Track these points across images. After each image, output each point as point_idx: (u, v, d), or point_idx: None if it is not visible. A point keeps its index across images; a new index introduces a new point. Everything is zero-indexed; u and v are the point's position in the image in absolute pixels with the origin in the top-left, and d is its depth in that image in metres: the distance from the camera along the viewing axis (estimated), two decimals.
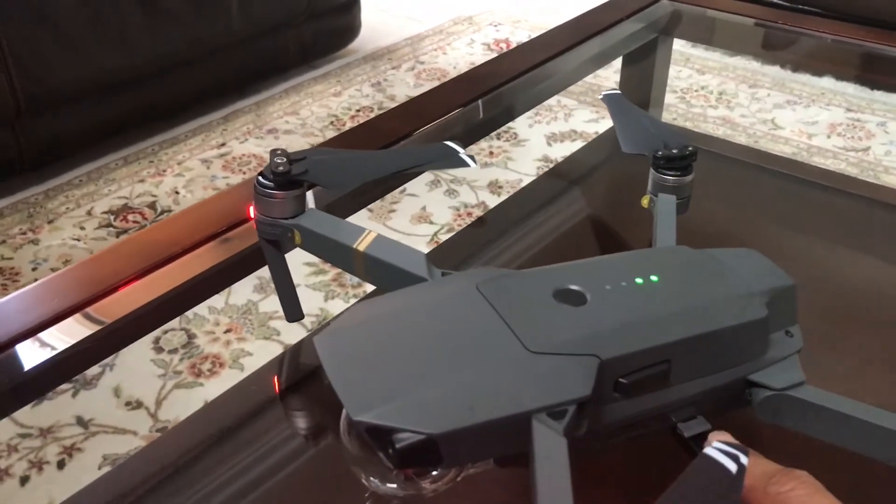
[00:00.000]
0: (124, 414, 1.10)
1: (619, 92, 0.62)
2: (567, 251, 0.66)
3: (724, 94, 1.86)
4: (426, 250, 1.49)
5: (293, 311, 0.50)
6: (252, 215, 0.47)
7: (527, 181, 1.54)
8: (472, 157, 0.49)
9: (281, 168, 0.44)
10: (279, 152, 0.45)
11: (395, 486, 0.38)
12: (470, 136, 0.77)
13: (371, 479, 0.38)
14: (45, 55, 1.47)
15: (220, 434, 0.53)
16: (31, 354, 0.49)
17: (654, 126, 0.58)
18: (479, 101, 0.75)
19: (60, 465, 1.04)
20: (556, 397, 0.33)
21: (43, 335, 0.49)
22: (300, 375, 0.58)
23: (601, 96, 0.63)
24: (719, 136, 1.69)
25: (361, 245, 0.43)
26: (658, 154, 0.54)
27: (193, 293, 0.55)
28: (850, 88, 1.84)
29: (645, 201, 0.55)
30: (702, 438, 0.38)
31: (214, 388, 1.14)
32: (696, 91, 1.88)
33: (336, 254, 0.45)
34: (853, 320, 0.58)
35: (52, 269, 1.35)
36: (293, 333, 1.20)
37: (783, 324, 0.41)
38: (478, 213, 1.46)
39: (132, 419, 1.09)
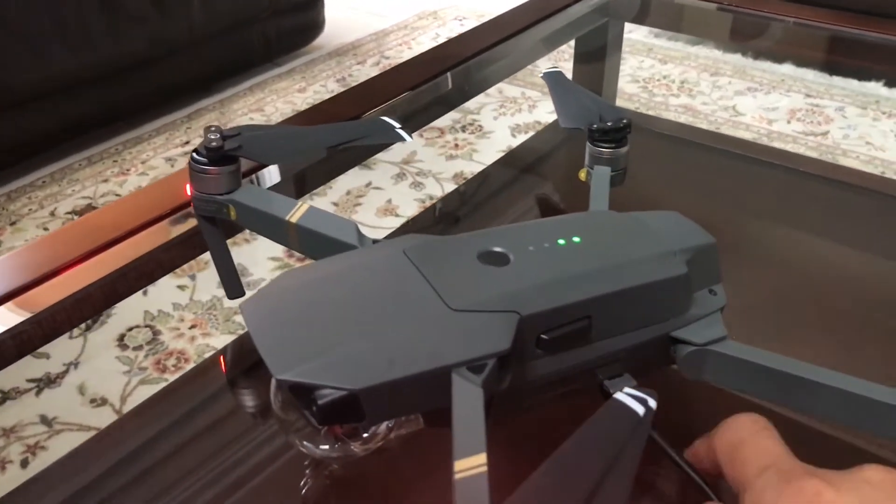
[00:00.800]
0: (89, 411, 1.10)
1: (558, 69, 0.63)
2: (506, 222, 0.67)
3: (686, 82, 1.88)
4: None
5: (233, 289, 0.51)
6: (189, 193, 0.48)
7: None
8: (407, 133, 0.50)
9: (214, 143, 0.45)
10: (213, 128, 0.46)
11: (326, 447, 0.38)
12: (421, 119, 0.77)
13: (304, 442, 0.39)
14: (6, 56, 1.46)
15: (171, 420, 0.53)
16: None
17: (592, 101, 0.59)
18: (427, 85, 0.75)
19: (24, 463, 1.03)
20: (475, 352, 0.34)
21: None
22: (249, 361, 0.58)
23: (542, 75, 0.64)
24: (682, 122, 1.71)
25: (294, 217, 0.44)
26: (593, 127, 0.55)
27: (136, 276, 0.55)
28: (810, 75, 1.87)
29: (582, 174, 0.56)
30: None
31: None
32: (658, 80, 1.89)
33: (270, 227, 0.45)
34: (807, 300, 0.59)
35: None
36: None
37: (706, 282, 0.42)
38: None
39: (97, 416, 1.09)
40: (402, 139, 0.50)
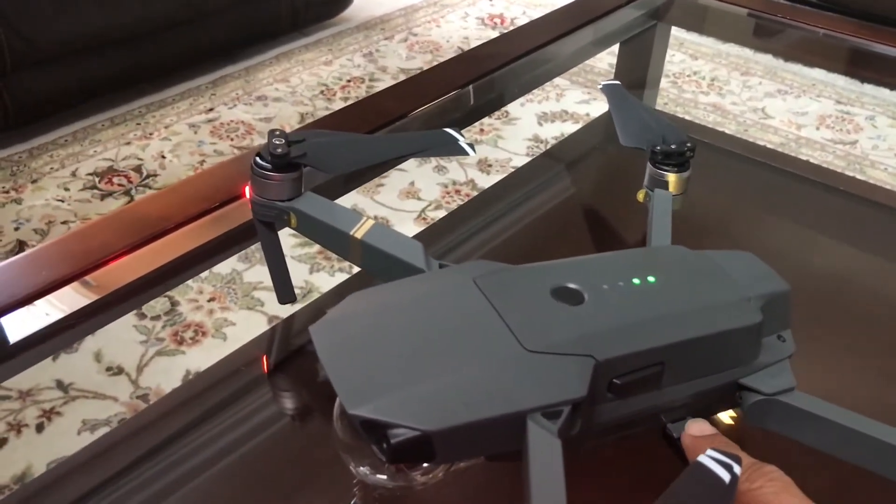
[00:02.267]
0: (105, 379, 1.10)
1: (618, 83, 0.62)
2: (557, 239, 0.66)
3: (716, 80, 1.86)
4: (413, 226, 1.47)
5: (286, 293, 0.50)
6: (247, 195, 0.47)
7: (516, 160, 1.54)
8: (471, 145, 0.49)
9: (279, 150, 0.44)
10: (277, 133, 0.45)
11: (384, 477, 0.38)
12: (466, 119, 0.76)
13: (360, 468, 0.38)
14: (36, 12, 1.44)
15: (206, 409, 0.53)
16: (19, 326, 0.49)
17: (653, 119, 0.58)
18: (476, 84, 0.74)
19: (39, 428, 1.03)
20: (551, 397, 0.33)
21: (31, 307, 0.49)
22: (287, 353, 0.57)
23: (600, 86, 0.62)
24: (710, 122, 1.69)
25: (359, 232, 0.43)
26: (656, 149, 0.53)
27: (182, 269, 0.54)
28: (841, 80, 1.85)
29: (640, 195, 0.55)
30: None
31: (196, 356, 1.13)
32: (689, 76, 1.87)
33: (332, 239, 0.44)
34: (843, 320, 0.58)
35: (35, 230, 1.34)
36: (276, 305, 1.20)
37: (776, 328, 0.41)
38: (466, 190, 1.45)
39: (112, 385, 1.09)
40: (465, 153, 0.49)
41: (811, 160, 1.58)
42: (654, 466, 0.41)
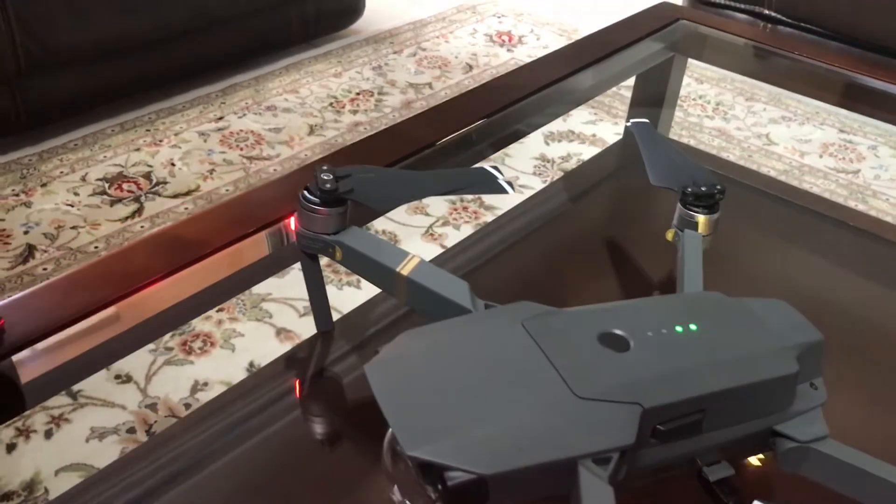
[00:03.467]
0: (114, 387, 1.10)
1: (647, 121, 0.63)
2: (583, 272, 0.67)
3: (721, 104, 1.88)
4: (421, 241, 1.48)
5: (324, 321, 0.51)
6: (294, 228, 0.48)
7: (524, 179, 1.55)
8: (510, 184, 0.50)
9: (328, 185, 0.45)
10: (325, 168, 0.46)
11: None
12: (491, 148, 0.77)
13: (407, 502, 0.39)
14: (50, 16, 1.45)
15: (233, 428, 0.53)
16: (59, 349, 0.49)
17: (682, 161, 0.59)
18: (501, 113, 0.75)
19: (48, 434, 1.04)
20: (601, 444, 0.34)
21: (70, 331, 0.50)
22: (311, 373, 0.58)
23: (629, 124, 0.64)
24: (715, 147, 1.71)
25: (405, 270, 0.44)
26: (687, 191, 0.55)
27: (221, 293, 0.55)
28: (844, 109, 1.87)
29: (670, 235, 0.57)
30: (725, 483, 0.40)
31: (204, 366, 1.14)
32: (694, 100, 1.89)
33: (377, 274, 0.45)
34: (872, 366, 0.59)
35: (45, 234, 1.34)
36: (286, 317, 1.21)
37: (809, 376, 0.43)
38: (473, 207, 1.46)
39: (121, 393, 1.09)
40: (504, 191, 0.50)
41: (814, 188, 1.60)
42: None
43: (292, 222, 0.48)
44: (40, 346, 0.48)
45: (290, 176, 0.62)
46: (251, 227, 0.57)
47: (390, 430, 0.38)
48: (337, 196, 0.45)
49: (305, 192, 0.46)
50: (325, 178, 0.45)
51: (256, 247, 0.57)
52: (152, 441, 0.55)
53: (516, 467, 0.33)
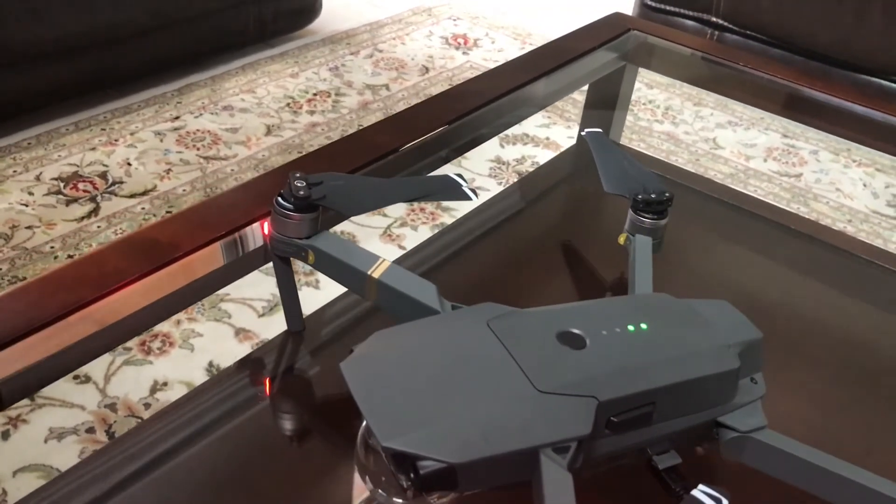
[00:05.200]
0: (72, 387, 1.10)
1: (600, 130, 0.67)
2: (541, 273, 0.70)
3: (670, 109, 1.94)
4: (379, 242, 1.50)
5: (295, 322, 0.53)
6: (266, 232, 0.50)
7: (480, 181, 1.58)
8: (473, 191, 0.53)
9: (302, 193, 0.47)
10: (298, 175, 0.48)
11: (400, 501, 0.42)
12: (452, 154, 0.80)
13: (381, 492, 0.42)
14: (3, 11, 1.44)
15: (197, 427, 0.55)
16: (32, 351, 0.51)
17: (634, 169, 0.62)
18: (462, 120, 0.78)
19: (5, 435, 1.04)
20: (561, 434, 0.37)
21: (44, 333, 0.51)
22: (282, 370, 0.60)
23: (584, 133, 0.67)
24: (664, 150, 1.76)
25: (376, 272, 0.46)
26: (638, 197, 0.58)
27: (190, 295, 0.57)
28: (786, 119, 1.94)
29: (622, 239, 0.60)
30: (673, 471, 0.43)
31: (164, 366, 1.15)
32: (644, 104, 1.94)
33: (347, 277, 0.48)
34: (808, 361, 0.63)
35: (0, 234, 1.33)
36: (244, 317, 1.22)
37: (750, 371, 0.46)
38: (430, 209, 1.49)
39: (80, 393, 1.10)
40: (468, 198, 0.53)
41: (758, 191, 1.66)
42: (641, 494, 0.45)
43: (265, 227, 0.50)
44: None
45: (259, 179, 0.64)
46: (223, 230, 0.58)
47: (364, 423, 0.41)
48: (310, 202, 0.48)
49: (279, 199, 0.48)
50: (299, 185, 0.47)
51: (223, 251, 0.59)
52: (137, 436, 0.56)
53: (483, 456, 0.36)
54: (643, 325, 0.43)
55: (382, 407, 0.37)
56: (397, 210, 1.47)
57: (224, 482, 0.49)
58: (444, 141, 0.77)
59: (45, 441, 1.03)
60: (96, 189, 1.46)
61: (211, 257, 0.58)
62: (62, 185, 1.46)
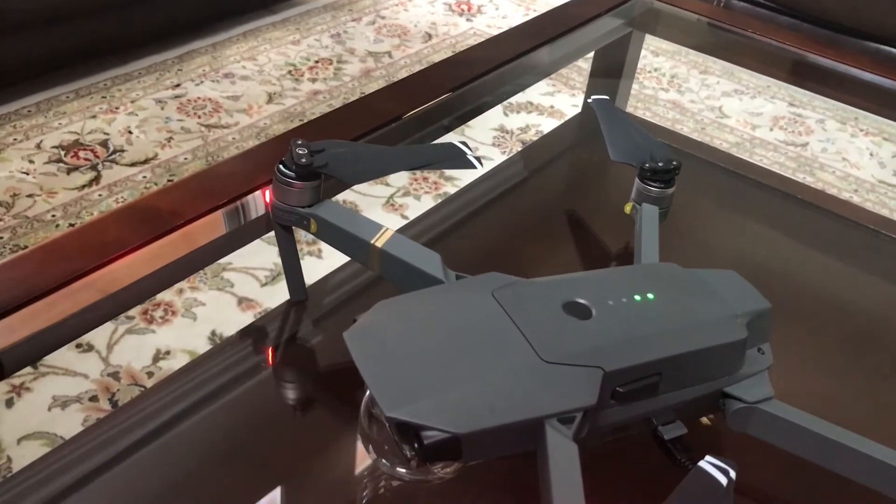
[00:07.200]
0: (75, 356, 1.10)
1: (607, 98, 0.66)
2: (546, 242, 0.69)
3: (676, 77, 1.92)
4: (382, 211, 1.49)
5: (298, 291, 0.53)
6: (268, 200, 0.49)
7: (484, 150, 1.57)
8: (478, 159, 0.52)
9: (304, 160, 0.46)
10: (300, 143, 0.47)
11: (404, 470, 0.41)
12: (457, 121, 0.79)
13: (384, 461, 0.42)
14: None
15: (201, 395, 0.54)
16: (34, 319, 0.50)
17: (641, 137, 0.61)
18: (466, 87, 0.77)
19: (9, 403, 1.04)
20: (566, 404, 0.37)
21: (46, 301, 0.51)
22: (277, 342, 0.59)
23: (590, 101, 0.66)
24: (669, 119, 1.75)
25: (379, 241, 0.46)
26: (645, 166, 0.57)
27: (192, 264, 0.57)
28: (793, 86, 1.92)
29: (628, 208, 0.59)
30: (679, 441, 0.43)
31: (166, 335, 1.15)
32: (650, 72, 1.92)
33: (351, 245, 0.47)
34: (816, 332, 0.63)
35: (0, 203, 1.33)
36: (247, 286, 1.21)
37: (757, 342, 0.46)
38: (433, 178, 1.48)
39: (83, 362, 1.10)
40: (472, 166, 0.52)
41: (764, 161, 1.64)
42: (646, 464, 0.45)
43: (267, 195, 0.49)
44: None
45: (261, 147, 0.64)
46: (224, 198, 0.58)
47: (368, 393, 0.40)
48: (312, 170, 0.47)
49: (281, 167, 0.47)
50: (301, 152, 0.46)
51: (224, 220, 0.58)
52: (141, 404, 0.56)
53: (488, 426, 0.35)
54: (650, 296, 0.43)
55: (386, 377, 0.37)
56: (400, 179, 1.46)
57: (227, 451, 0.49)
58: (446, 109, 0.76)
59: (49, 409, 1.03)
60: (97, 157, 1.45)
61: (212, 226, 0.58)
62: (63, 153, 1.45)
